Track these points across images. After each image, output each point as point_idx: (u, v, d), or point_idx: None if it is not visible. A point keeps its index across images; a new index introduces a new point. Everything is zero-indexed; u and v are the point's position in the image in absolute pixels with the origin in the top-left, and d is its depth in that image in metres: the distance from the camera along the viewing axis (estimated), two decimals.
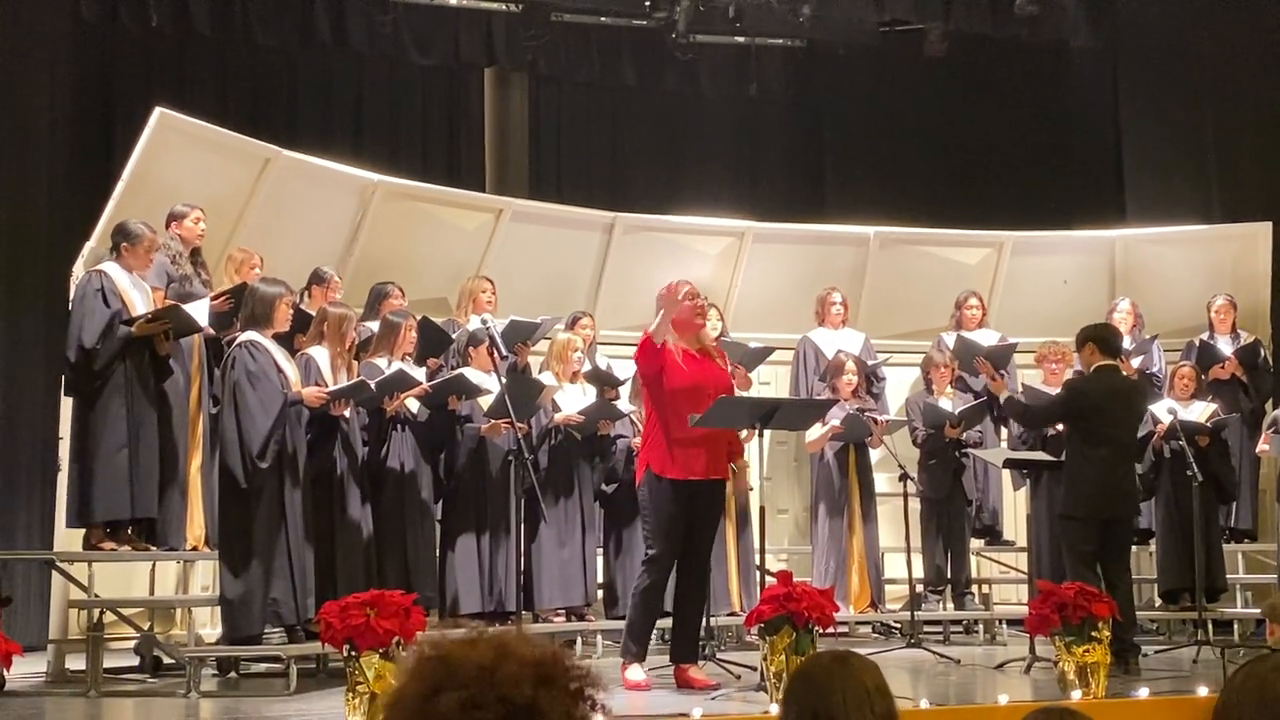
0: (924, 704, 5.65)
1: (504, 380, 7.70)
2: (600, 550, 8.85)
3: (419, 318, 8.13)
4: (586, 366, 8.99)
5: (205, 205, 8.05)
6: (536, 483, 7.47)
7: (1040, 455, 8.77)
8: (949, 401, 9.68)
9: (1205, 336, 10.29)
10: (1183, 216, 11.58)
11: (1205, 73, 12.15)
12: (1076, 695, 5.93)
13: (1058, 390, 9.10)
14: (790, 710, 2.55)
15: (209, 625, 8.08)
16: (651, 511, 6.75)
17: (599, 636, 8.72)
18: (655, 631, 7.52)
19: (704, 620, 7.48)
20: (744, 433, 8.66)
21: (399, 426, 7.77)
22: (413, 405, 7.81)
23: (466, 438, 8.18)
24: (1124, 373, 8.43)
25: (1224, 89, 12.09)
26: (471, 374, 8.00)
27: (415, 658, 1.68)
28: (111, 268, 7.41)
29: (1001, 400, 8.49)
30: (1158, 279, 11.04)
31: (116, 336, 7.20)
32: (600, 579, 8.89)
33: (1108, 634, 6.31)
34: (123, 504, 7.20)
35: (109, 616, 7.40)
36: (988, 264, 11.20)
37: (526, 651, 1.65)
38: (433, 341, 8.25)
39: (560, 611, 8.49)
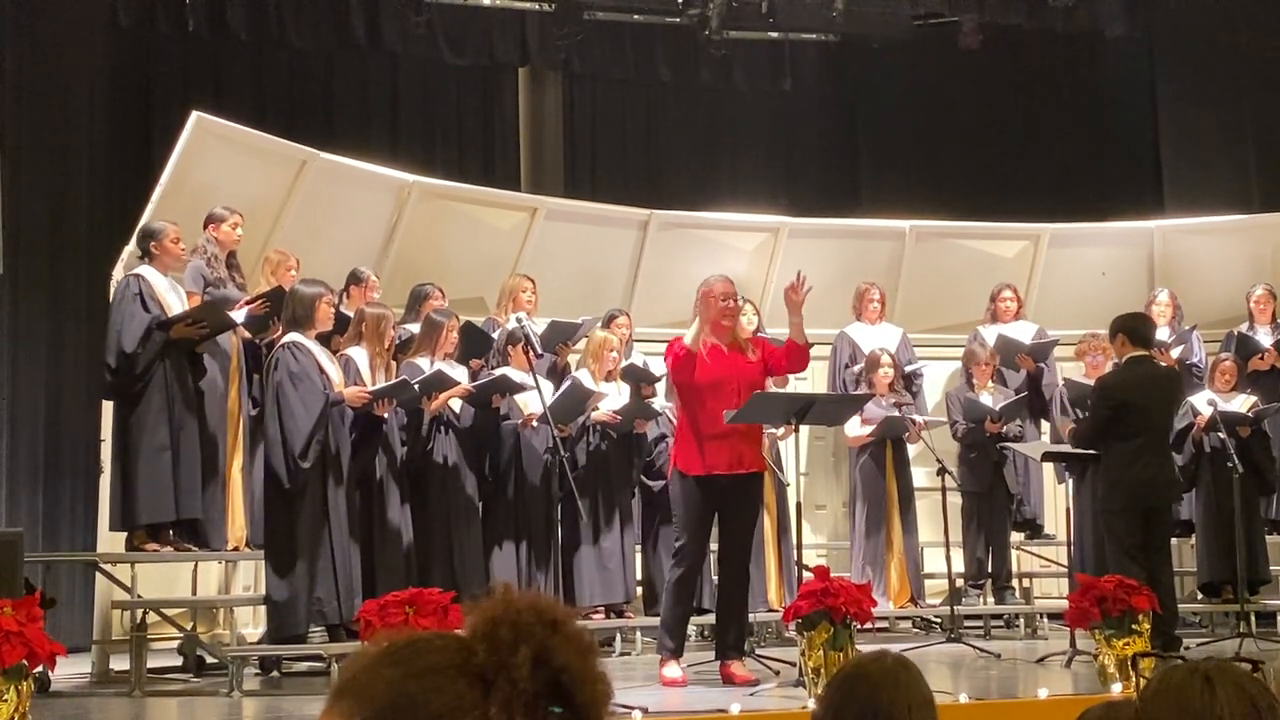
0: (964, 698, 5.64)
1: (539, 378, 7.73)
2: (639, 547, 8.87)
3: (462, 321, 8.15)
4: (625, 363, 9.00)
5: (242, 208, 8.07)
6: (573, 481, 7.49)
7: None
8: (990, 396, 9.63)
9: (1245, 327, 10.19)
10: (1222, 206, 11.46)
11: (1243, 60, 12.05)
12: (1117, 688, 5.90)
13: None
14: (848, 708, 2.39)
15: (251, 625, 8.14)
16: (679, 506, 6.86)
17: (638, 633, 8.73)
18: (695, 627, 7.51)
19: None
20: (781, 429, 8.68)
21: (442, 428, 7.80)
22: (454, 405, 7.84)
23: (504, 435, 8.21)
24: (1159, 362, 8.36)
25: (1263, 76, 11.99)
26: (513, 373, 8.02)
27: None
28: (148, 271, 7.46)
29: (1066, 435, 8.61)
30: (1197, 270, 10.94)
31: (155, 341, 7.25)
32: (639, 576, 8.90)
33: (1148, 626, 6.28)
34: (166, 506, 7.25)
35: (152, 617, 7.46)
36: (1025, 256, 11.13)
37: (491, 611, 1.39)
38: (475, 345, 8.28)
39: (600, 609, 8.51)
